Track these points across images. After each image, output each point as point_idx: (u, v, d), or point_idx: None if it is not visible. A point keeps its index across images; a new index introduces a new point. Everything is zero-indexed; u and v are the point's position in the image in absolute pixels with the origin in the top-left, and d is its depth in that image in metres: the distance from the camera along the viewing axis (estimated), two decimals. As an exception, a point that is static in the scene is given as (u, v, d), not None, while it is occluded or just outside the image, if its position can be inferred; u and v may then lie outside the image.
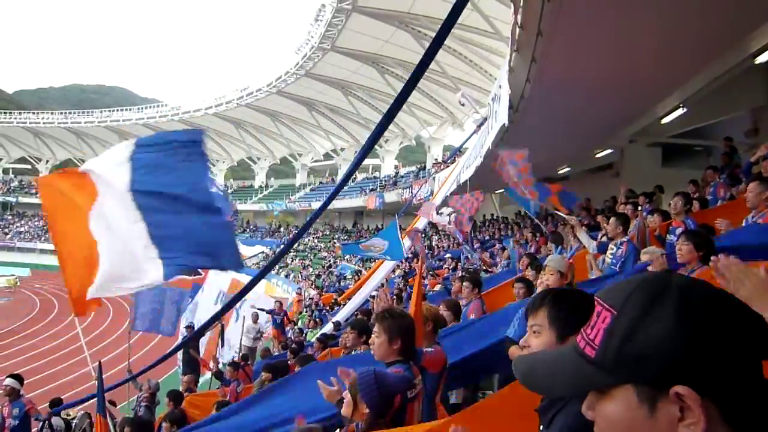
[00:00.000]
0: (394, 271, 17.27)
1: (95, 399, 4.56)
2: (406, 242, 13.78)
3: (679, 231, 4.62)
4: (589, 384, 0.76)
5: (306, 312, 19.80)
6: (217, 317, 3.55)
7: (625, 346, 0.71)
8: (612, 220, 5.53)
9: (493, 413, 2.30)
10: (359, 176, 50.21)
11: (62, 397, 8.81)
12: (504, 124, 9.79)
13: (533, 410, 1.55)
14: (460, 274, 9.43)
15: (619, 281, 0.80)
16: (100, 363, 4.35)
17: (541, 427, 1.49)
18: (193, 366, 12.18)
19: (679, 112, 9.33)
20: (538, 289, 3.95)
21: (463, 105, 24.95)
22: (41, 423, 7.24)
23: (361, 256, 11.06)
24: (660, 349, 0.68)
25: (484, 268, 11.05)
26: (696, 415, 0.66)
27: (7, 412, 7.19)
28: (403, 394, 2.39)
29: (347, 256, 32.39)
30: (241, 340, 13.87)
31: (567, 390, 0.80)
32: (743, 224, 4.69)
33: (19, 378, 7.59)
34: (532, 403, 1.57)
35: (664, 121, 10.00)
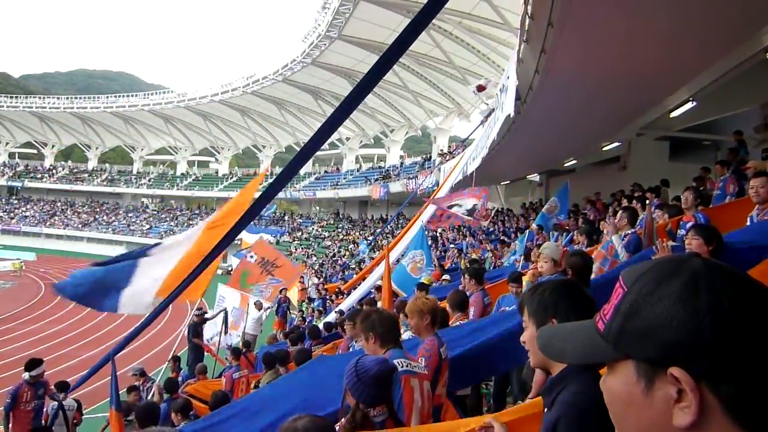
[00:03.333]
0: (398, 261, 17.24)
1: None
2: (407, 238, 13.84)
3: (689, 225, 4.59)
4: (594, 355, 0.78)
5: (306, 302, 19.94)
6: (141, 329, 3.98)
7: (628, 322, 0.72)
8: (620, 212, 5.52)
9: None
10: (364, 166, 50.17)
11: (68, 380, 8.85)
12: (510, 115, 9.74)
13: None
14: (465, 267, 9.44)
15: (642, 262, 0.80)
16: (113, 358, 4.32)
17: (545, 409, 1.53)
18: (197, 352, 12.29)
19: (689, 105, 9.25)
20: (526, 275, 3.98)
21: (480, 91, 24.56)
22: (56, 404, 7.32)
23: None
24: (659, 328, 0.68)
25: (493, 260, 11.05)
26: (689, 398, 0.66)
27: (30, 396, 7.26)
28: (374, 374, 2.38)
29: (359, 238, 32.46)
30: (244, 327, 13.98)
31: (574, 357, 0.83)
32: (748, 221, 4.65)
33: (39, 362, 7.63)
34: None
35: (673, 114, 9.91)
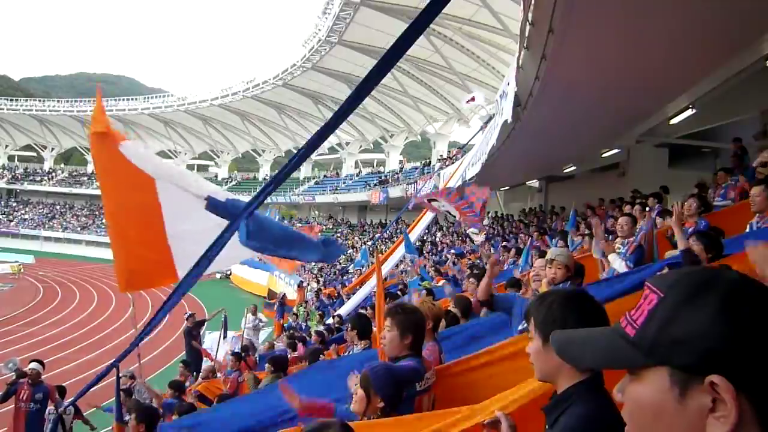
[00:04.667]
0: (397, 266, 17.27)
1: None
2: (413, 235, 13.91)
3: (690, 231, 4.60)
4: (620, 360, 0.77)
5: (303, 307, 19.97)
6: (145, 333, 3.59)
7: (665, 329, 0.72)
8: (627, 219, 5.50)
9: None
10: (364, 170, 50.21)
11: (64, 384, 8.83)
12: (507, 120, 9.75)
13: (540, 410, 1.57)
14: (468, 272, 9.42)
15: (671, 270, 0.80)
16: (117, 367, 4.21)
17: (547, 426, 1.50)
18: (194, 355, 12.28)
19: (689, 113, 9.27)
20: (542, 284, 3.93)
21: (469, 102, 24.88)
22: (53, 410, 7.27)
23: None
24: (699, 336, 0.68)
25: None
26: (728, 408, 0.65)
27: (27, 396, 7.23)
28: (411, 386, 2.40)
29: (358, 244, 32.44)
30: (243, 333, 14.01)
31: (595, 362, 0.82)
32: (747, 229, 4.66)
33: (40, 363, 7.65)
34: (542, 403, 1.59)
35: (673, 121, 9.94)
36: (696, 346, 0.68)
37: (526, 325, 1.69)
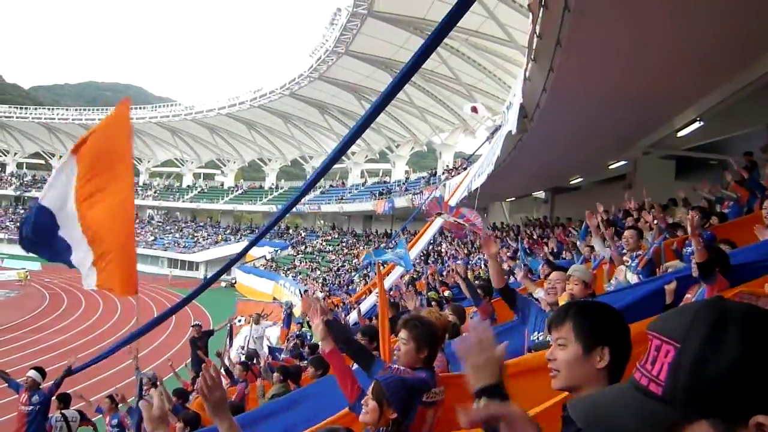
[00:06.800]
0: (402, 277, 17.22)
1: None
2: (413, 253, 13.92)
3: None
4: (658, 422, 0.72)
5: (306, 315, 20.02)
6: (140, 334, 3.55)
7: (695, 380, 0.69)
8: (633, 233, 5.50)
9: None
10: (369, 180, 50.30)
11: (69, 392, 8.84)
12: (511, 132, 9.76)
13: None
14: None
15: (670, 312, 0.77)
16: (141, 378, 4.26)
17: None
18: (199, 364, 12.25)
19: (696, 125, 9.28)
20: (561, 297, 3.91)
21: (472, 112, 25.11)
22: (60, 416, 7.38)
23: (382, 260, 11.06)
24: (733, 379, 0.66)
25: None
26: None
27: (25, 399, 7.41)
28: (419, 395, 2.39)
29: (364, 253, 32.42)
30: (247, 342, 14.03)
31: (637, 430, 0.76)
32: (760, 240, 4.64)
33: (41, 370, 7.82)
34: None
35: (680, 134, 9.94)
36: (732, 392, 0.66)
37: (542, 336, 1.66)
